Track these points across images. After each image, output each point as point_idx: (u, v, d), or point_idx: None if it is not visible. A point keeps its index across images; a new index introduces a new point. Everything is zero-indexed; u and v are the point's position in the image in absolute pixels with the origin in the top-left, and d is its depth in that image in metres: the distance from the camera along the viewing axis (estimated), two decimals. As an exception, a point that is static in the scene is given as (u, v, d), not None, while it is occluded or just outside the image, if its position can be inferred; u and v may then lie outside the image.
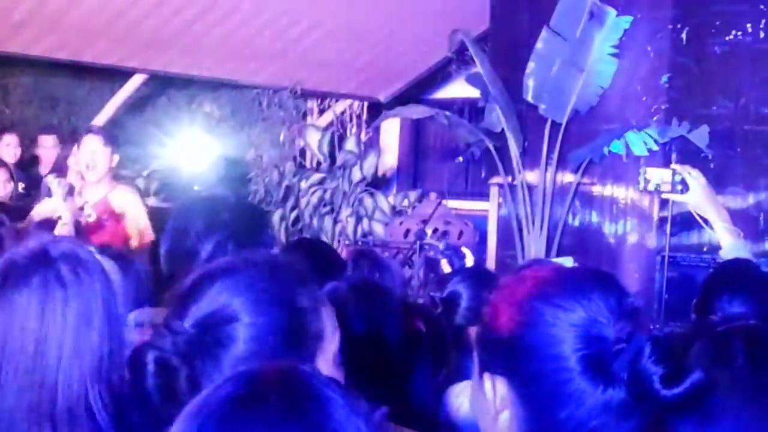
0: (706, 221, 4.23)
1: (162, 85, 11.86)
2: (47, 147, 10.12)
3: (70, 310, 2.35)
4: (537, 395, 1.80)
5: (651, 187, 4.09)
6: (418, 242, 8.82)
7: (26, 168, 9.91)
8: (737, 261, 4.00)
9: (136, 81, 11.18)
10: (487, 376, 1.86)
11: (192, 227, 3.04)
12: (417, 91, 12.67)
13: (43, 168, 9.92)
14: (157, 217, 7.42)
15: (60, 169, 9.09)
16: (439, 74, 12.35)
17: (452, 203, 11.92)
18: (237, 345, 1.90)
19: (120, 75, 11.11)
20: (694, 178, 4.12)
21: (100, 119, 11.39)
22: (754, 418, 2.37)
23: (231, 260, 2.07)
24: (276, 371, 1.48)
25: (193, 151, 11.25)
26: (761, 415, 2.36)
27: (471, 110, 10.53)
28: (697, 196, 4.08)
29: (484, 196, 10.45)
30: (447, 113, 9.59)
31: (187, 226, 3.07)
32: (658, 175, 4.01)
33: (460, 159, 12.52)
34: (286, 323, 1.93)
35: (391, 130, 13.37)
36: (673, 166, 3.89)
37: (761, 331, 2.50)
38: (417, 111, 9.99)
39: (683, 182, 3.97)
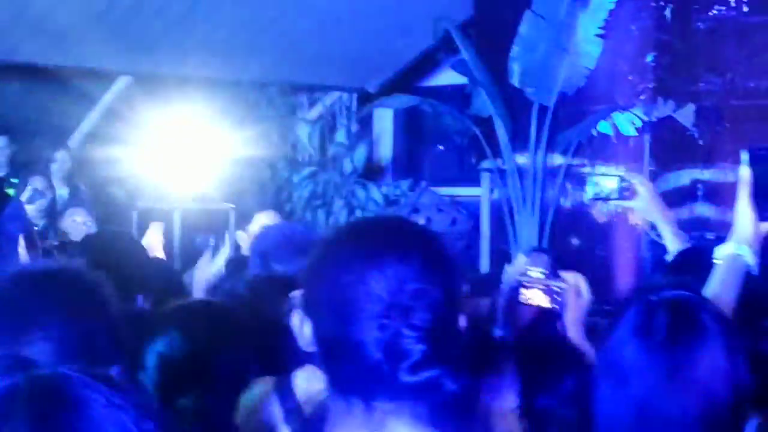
0: (654, 227, 4.24)
1: (153, 85, 11.82)
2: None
3: None
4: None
5: (600, 195, 4.06)
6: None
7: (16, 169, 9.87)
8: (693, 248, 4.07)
9: (124, 81, 11.15)
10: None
11: None
12: (406, 80, 12.62)
13: None
14: (147, 219, 7.42)
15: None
16: (428, 62, 12.30)
17: (448, 190, 11.89)
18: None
19: (106, 78, 11.08)
20: (641, 184, 4.11)
21: (92, 119, 11.38)
22: (667, 391, 2.37)
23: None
24: (27, 383, 1.43)
25: (185, 151, 11.21)
26: (675, 388, 2.37)
27: (461, 97, 10.50)
28: (645, 202, 4.08)
29: (478, 182, 10.45)
30: (432, 101, 9.59)
31: None
32: (605, 184, 3.97)
33: (441, 147, 12.53)
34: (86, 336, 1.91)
35: (384, 119, 13.33)
36: (619, 173, 3.86)
37: (688, 304, 2.49)
38: (401, 101, 9.99)
39: (630, 189, 3.95)
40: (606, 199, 4.07)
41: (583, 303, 3.59)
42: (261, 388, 3.01)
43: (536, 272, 3.57)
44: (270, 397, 3.05)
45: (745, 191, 3.09)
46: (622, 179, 3.89)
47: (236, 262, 4.86)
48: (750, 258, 3.06)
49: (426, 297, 1.87)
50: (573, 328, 3.59)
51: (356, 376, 1.91)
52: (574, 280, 3.59)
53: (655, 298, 2.48)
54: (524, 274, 3.57)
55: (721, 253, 3.08)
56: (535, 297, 3.55)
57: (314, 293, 1.97)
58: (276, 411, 3.04)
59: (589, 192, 3.94)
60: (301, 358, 3.05)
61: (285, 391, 3.04)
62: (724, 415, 2.34)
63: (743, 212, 3.09)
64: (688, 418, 2.36)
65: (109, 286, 2.18)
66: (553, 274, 3.60)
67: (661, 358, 2.39)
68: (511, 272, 3.60)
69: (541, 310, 3.61)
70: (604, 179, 3.93)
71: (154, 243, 5.32)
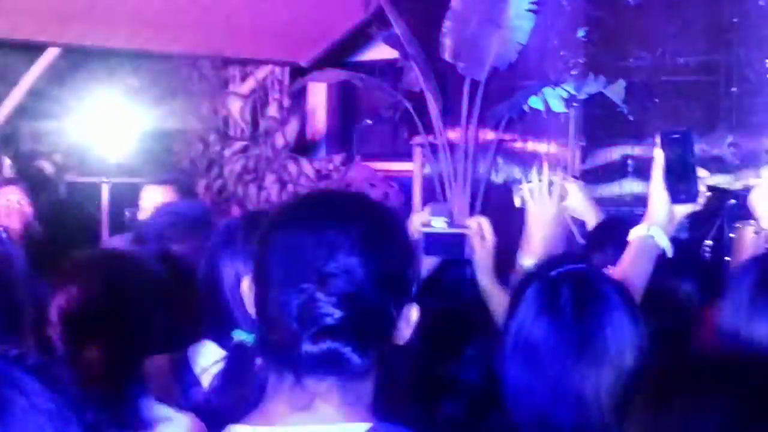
0: (583, 225, 4.25)
1: (80, 58, 11.67)
2: None
3: None
4: None
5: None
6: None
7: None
8: (611, 218, 4.10)
9: (50, 54, 10.99)
10: None
11: None
12: (339, 54, 12.57)
13: None
14: (74, 192, 7.32)
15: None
16: (361, 36, 12.26)
17: (380, 165, 11.87)
18: None
19: (35, 49, 10.92)
20: (571, 182, 4.12)
21: (17, 94, 11.22)
22: (577, 362, 2.43)
23: None
24: None
25: (114, 124, 11.10)
26: (585, 359, 2.42)
27: (394, 72, 10.46)
28: (577, 200, 4.08)
29: (410, 156, 10.45)
30: (363, 76, 9.56)
31: None
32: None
33: (370, 122, 12.49)
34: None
35: (318, 93, 13.27)
36: (547, 177, 3.81)
37: (589, 278, 2.55)
38: (333, 75, 9.95)
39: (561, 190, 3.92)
40: None
41: (489, 246, 3.61)
42: (156, 362, 2.97)
43: (439, 221, 3.56)
44: (168, 372, 3.03)
45: (658, 173, 3.11)
46: (552, 183, 3.87)
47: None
48: (662, 240, 3.07)
49: (355, 268, 1.87)
50: (483, 274, 3.61)
51: (279, 347, 1.90)
52: (477, 225, 3.60)
53: (556, 273, 2.50)
54: (427, 225, 3.56)
55: (633, 235, 3.10)
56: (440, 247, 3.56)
57: (259, 258, 1.98)
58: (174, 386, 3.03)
59: (517, 201, 3.91)
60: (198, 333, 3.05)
61: (182, 367, 3.03)
62: (633, 383, 2.36)
63: (656, 194, 3.11)
64: (602, 389, 2.39)
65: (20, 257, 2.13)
66: (453, 222, 3.60)
67: (570, 334, 2.44)
68: (415, 224, 3.59)
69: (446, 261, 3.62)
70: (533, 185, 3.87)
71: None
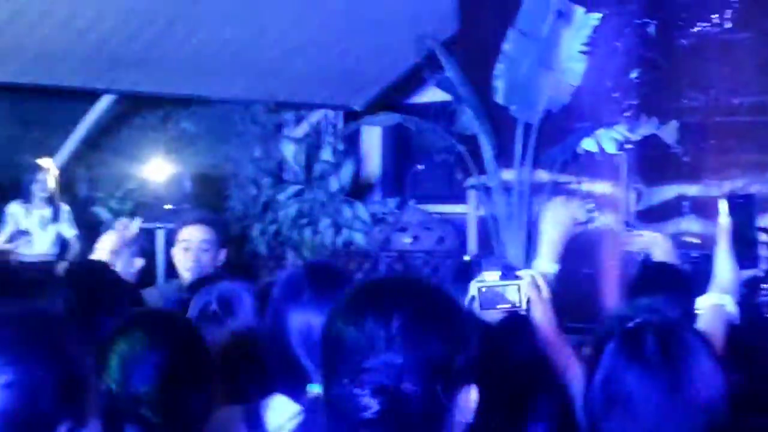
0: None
1: (134, 104, 11.80)
2: None
3: None
4: None
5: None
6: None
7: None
8: (661, 264, 4.05)
9: (105, 102, 11.11)
10: None
11: None
12: (392, 97, 12.61)
13: None
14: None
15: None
16: (413, 79, 12.29)
17: (435, 208, 11.87)
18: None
19: (90, 97, 11.04)
20: (655, 235, 4.12)
21: (74, 141, 11.34)
22: (673, 410, 2.41)
23: None
24: None
25: (168, 169, 11.19)
26: (679, 406, 2.41)
27: (446, 114, 10.48)
28: (662, 251, 4.08)
29: (464, 199, 10.46)
30: (417, 119, 9.57)
31: None
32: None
33: (421, 167, 12.52)
34: (56, 376, 1.85)
35: (371, 137, 13.32)
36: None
37: (670, 325, 2.53)
38: (386, 118, 9.96)
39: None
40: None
41: (545, 296, 3.54)
42: (227, 415, 2.96)
43: (492, 275, 3.50)
44: (238, 426, 3.00)
45: (724, 240, 3.08)
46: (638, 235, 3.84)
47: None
48: (732, 307, 3.04)
49: (394, 361, 1.89)
50: (544, 323, 3.56)
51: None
52: (528, 276, 3.55)
53: (636, 324, 2.49)
54: (480, 280, 3.51)
55: (703, 304, 3.06)
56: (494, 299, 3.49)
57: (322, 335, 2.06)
58: None
59: (634, 247, 3.88)
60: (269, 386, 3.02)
61: (254, 421, 2.99)
62: (722, 423, 2.39)
63: (723, 261, 3.09)
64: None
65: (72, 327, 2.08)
66: (507, 273, 3.54)
67: (661, 382, 2.42)
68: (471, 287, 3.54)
69: (507, 318, 3.55)
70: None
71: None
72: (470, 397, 2.00)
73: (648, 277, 3.86)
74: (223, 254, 5.30)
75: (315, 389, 2.56)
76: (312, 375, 2.74)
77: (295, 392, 2.76)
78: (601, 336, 2.57)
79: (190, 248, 5.24)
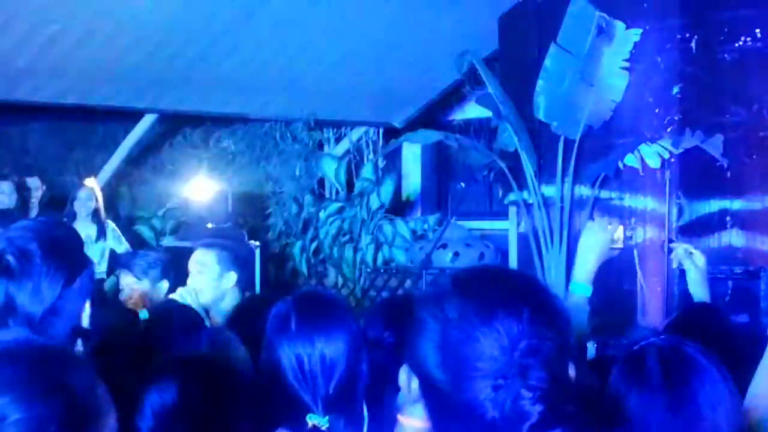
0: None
1: (176, 123, 11.87)
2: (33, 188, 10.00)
3: None
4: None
5: None
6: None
7: (46, 210, 9.90)
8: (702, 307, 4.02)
9: (147, 121, 11.18)
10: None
11: None
12: (433, 114, 12.64)
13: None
14: (172, 257, 7.37)
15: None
16: (454, 96, 12.32)
17: (475, 224, 11.88)
18: None
19: (132, 116, 11.12)
20: (700, 255, 4.15)
21: (116, 159, 11.42)
22: (674, 430, 2.44)
23: None
24: None
25: (210, 188, 11.25)
26: (680, 426, 2.43)
27: (487, 130, 10.49)
28: (696, 274, 4.12)
29: (505, 215, 10.45)
30: (457, 136, 9.58)
31: None
32: None
33: (462, 184, 12.52)
34: (63, 410, 1.85)
35: (412, 154, 13.35)
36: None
37: (672, 347, 2.56)
38: (427, 136, 9.96)
39: None
40: None
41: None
42: None
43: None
44: None
45: None
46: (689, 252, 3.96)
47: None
48: None
49: (539, 354, 1.83)
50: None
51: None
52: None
53: (639, 347, 2.53)
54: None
55: None
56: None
57: (422, 350, 1.93)
58: None
59: (674, 263, 4.00)
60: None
61: None
62: None
63: None
64: None
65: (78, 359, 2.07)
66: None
67: (662, 400, 2.43)
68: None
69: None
70: None
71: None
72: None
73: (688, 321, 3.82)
74: (230, 277, 5.20)
75: (314, 420, 2.58)
76: (309, 405, 2.76)
77: (297, 425, 2.77)
78: (609, 359, 2.61)
79: (190, 270, 5.21)
